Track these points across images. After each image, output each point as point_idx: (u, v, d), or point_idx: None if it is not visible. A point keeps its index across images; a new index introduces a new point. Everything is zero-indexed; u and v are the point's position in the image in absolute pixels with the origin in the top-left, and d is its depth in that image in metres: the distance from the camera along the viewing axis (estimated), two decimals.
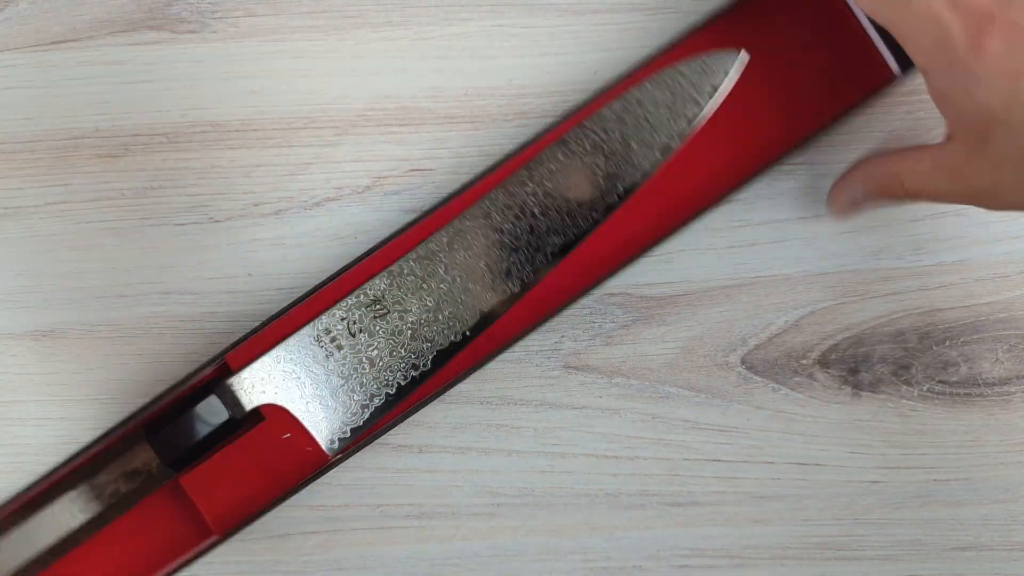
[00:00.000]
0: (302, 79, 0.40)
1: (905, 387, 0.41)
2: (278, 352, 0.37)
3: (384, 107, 0.40)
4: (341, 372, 0.37)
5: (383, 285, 0.37)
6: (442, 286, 0.37)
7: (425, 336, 0.37)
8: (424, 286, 0.37)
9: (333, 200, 0.40)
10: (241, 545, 0.41)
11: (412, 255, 0.37)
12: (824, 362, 0.41)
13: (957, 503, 0.42)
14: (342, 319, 0.37)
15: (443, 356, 0.38)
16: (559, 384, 0.41)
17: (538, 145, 0.38)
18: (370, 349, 0.37)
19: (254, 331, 0.38)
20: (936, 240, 0.41)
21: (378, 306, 0.37)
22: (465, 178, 0.40)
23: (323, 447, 0.37)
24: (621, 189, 0.37)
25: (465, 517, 0.41)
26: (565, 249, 0.38)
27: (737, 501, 0.41)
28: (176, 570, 0.38)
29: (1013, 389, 0.41)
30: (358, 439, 0.37)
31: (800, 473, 0.41)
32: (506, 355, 0.41)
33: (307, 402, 0.37)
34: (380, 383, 0.37)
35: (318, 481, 0.41)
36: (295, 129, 0.40)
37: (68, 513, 0.36)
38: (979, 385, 0.41)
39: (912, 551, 0.42)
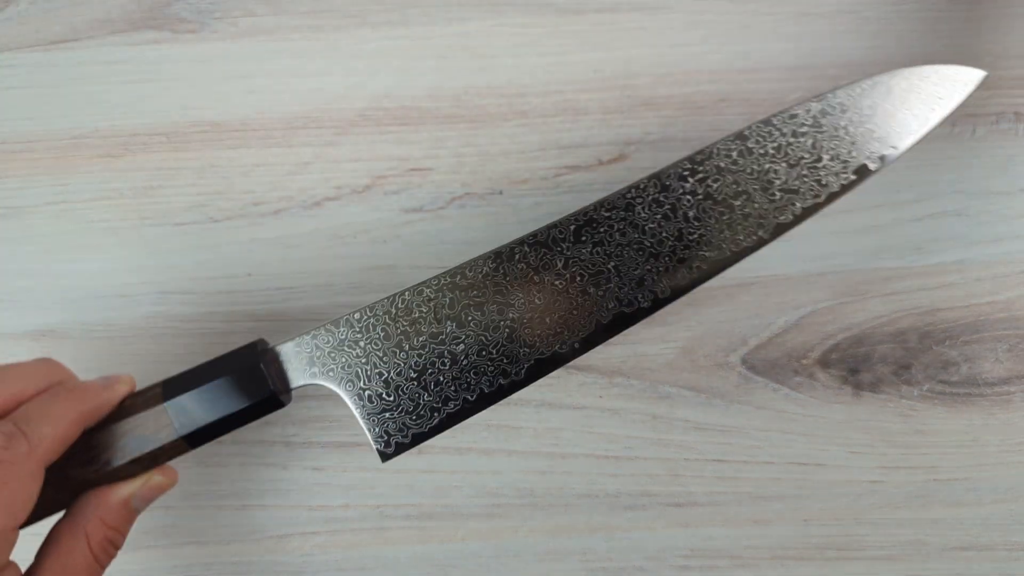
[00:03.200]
0: (302, 79, 0.39)
1: (905, 387, 0.41)
2: (343, 324, 0.31)
3: (384, 107, 0.40)
4: (415, 363, 0.30)
5: (487, 268, 0.30)
6: (557, 283, 0.30)
7: (524, 339, 0.30)
8: (535, 279, 0.30)
9: (333, 200, 0.40)
10: (241, 546, 0.41)
11: (528, 239, 0.31)
12: (824, 362, 0.41)
13: (957, 503, 0.42)
14: (429, 299, 0.31)
15: (541, 366, 0.31)
16: (559, 384, 0.41)
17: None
18: (455, 343, 0.30)
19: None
20: (936, 240, 0.41)
21: (475, 292, 0.30)
22: (467, 177, 0.40)
23: (374, 447, 0.31)
24: (799, 208, 0.31)
25: (465, 517, 0.41)
26: (716, 269, 0.30)
27: (738, 501, 0.41)
28: None
29: (1013, 389, 0.41)
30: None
31: (800, 473, 0.41)
32: None
33: (366, 391, 0.31)
34: (460, 385, 0.30)
35: (318, 481, 0.41)
36: (295, 128, 0.40)
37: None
38: (979, 385, 0.41)
39: (912, 551, 0.41)
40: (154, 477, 0.31)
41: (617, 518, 0.41)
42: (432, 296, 0.31)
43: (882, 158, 0.30)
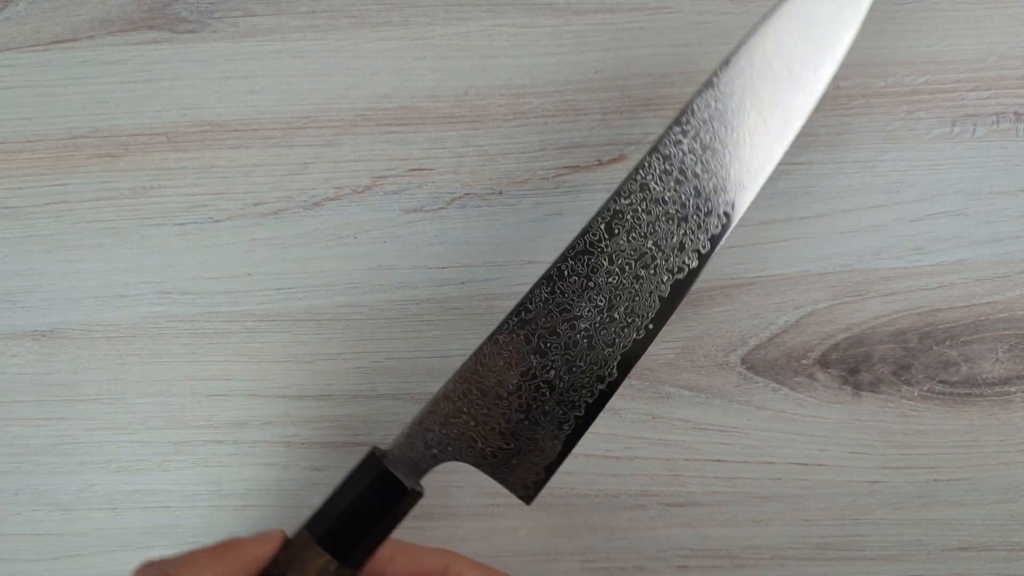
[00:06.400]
0: (302, 79, 0.39)
1: (905, 387, 0.41)
2: (441, 400, 0.32)
3: (384, 107, 0.40)
4: (519, 405, 0.32)
5: (544, 294, 0.32)
6: (610, 280, 0.32)
7: (604, 341, 0.32)
8: (591, 284, 0.32)
9: (333, 200, 0.40)
10: None
11: (569, 252, 0.32)
12: (824, 362, 0.41)
13: (958, 503, 0.42)
14: (506, 344, 0.32)
15: (628, 358, 0.32)
16: None
17: None
18: (546, 371, 0.32)
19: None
20: (936, 240, 0.41)
21: (543, 320, 0.32)
22: (467, 177, 0.40)
23: (517, 495, 0.33)
24: (796, 124, 0.32)
25: (465, 517, 0.41)
26: (740, 204, 0.32)
27: (737, 501, 0.41)
28: None
29: (1013, 389, 0.41)
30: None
31: (800, 473, 0.41)
32: None
33: (487, 449, 0.32)
34: (566, 407, 0.32)
35: (317, 481, 0.41)
36: (295, 129, 0.40)
37: None
38: (979, 385, 0.41)
39: (913, 551, 0.41)
40: None
41: (617, 518, 0.41)
42: (507, 340, 0.32)
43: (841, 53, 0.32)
